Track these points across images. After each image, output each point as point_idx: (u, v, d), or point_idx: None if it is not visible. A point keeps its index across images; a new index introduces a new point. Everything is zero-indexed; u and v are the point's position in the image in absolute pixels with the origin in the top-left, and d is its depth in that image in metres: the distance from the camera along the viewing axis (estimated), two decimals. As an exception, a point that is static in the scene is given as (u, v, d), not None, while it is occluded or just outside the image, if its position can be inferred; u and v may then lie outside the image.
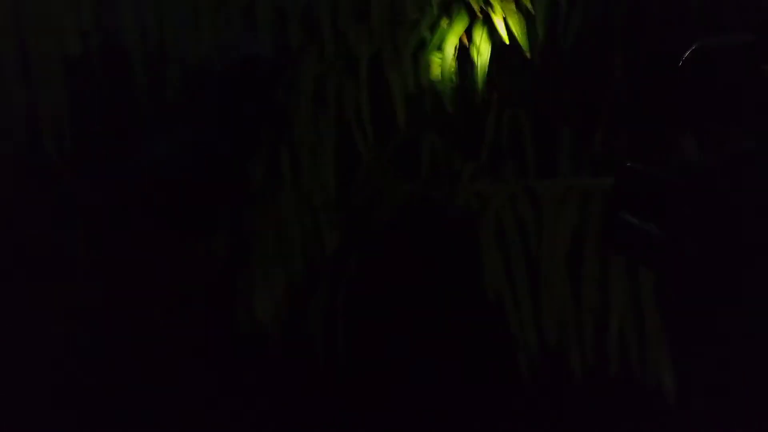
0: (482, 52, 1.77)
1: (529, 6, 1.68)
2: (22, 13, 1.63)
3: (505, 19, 1.66)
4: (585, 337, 1.54)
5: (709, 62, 0.65)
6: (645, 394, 1.50)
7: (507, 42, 1.67)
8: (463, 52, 1.85)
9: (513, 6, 1.70)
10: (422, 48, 1.75)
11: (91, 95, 1.72)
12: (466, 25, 1.75)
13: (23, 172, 1.64)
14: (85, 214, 1.73)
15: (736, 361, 0.63)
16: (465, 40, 1.81)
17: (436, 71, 1.83)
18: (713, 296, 0.61)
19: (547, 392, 1.60)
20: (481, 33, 1.75)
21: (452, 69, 1.86)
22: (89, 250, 1.72)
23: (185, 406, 1.73)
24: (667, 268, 0.64)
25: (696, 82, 0.66)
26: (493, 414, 1.67)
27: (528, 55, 1.67)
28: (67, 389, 1.73)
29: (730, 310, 0.61)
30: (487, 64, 1.78)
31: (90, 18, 1.70)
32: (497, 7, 1.67)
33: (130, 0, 1.72)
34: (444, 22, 1.75)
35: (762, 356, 0.61)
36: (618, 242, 0.68)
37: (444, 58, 1.78)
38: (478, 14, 1.69)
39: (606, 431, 1.59)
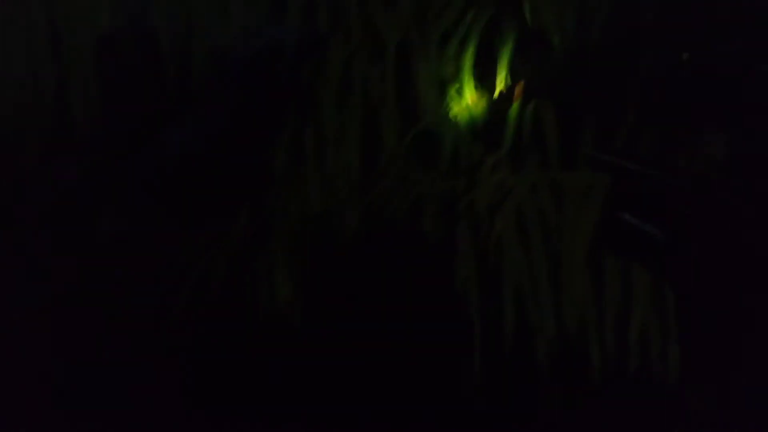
0: (506, 41, 1.76)
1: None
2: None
3: (533, 5, 1.64)
4: (605, 331, 1.53)
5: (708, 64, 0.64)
6: (664, 389, 1.48)
7: (529, 24, 1.64)
8: (488, 41, 1.85)
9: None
10: (448, 36, 1.75)
11: (119, 75, 1.74)
12: (492, 13, 1.74)
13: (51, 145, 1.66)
14: (109, 190, 1.75)
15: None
16: (491, 29, 1.80)
17: (460, 60, 1.83)
18: (713, 297, 0.61)
19: (564, 386, 1.59)
20: (506, 21, 1.74)
21: (475, 58, 1.85)
22: (115, 225, 1.74)
23: (203, 393, 1.74)
24: (666, 269, 0.63)
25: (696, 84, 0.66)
26: (508, 407, 1.66)
27: (556, 39, 1.65)
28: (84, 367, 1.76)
29: (730, 310, 0.60)
30: (510, 53, 1.77)
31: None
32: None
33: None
34: (471, 11, 1.75)
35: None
36: (615, 243, 0.67)
37: (468, 47, 1.77)
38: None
39: (622, 426, 1.57)
